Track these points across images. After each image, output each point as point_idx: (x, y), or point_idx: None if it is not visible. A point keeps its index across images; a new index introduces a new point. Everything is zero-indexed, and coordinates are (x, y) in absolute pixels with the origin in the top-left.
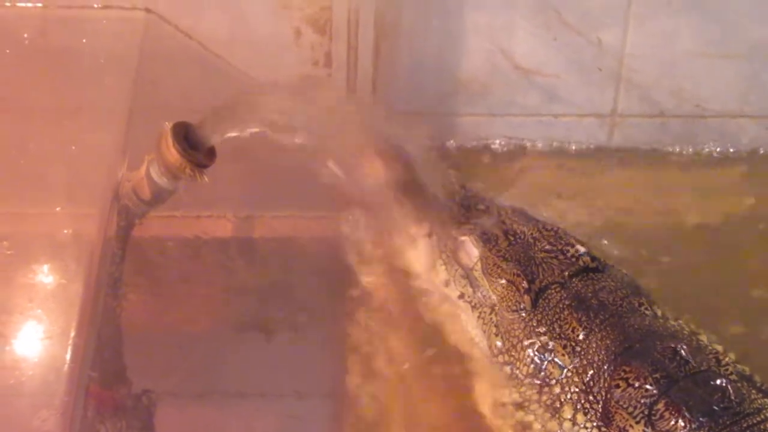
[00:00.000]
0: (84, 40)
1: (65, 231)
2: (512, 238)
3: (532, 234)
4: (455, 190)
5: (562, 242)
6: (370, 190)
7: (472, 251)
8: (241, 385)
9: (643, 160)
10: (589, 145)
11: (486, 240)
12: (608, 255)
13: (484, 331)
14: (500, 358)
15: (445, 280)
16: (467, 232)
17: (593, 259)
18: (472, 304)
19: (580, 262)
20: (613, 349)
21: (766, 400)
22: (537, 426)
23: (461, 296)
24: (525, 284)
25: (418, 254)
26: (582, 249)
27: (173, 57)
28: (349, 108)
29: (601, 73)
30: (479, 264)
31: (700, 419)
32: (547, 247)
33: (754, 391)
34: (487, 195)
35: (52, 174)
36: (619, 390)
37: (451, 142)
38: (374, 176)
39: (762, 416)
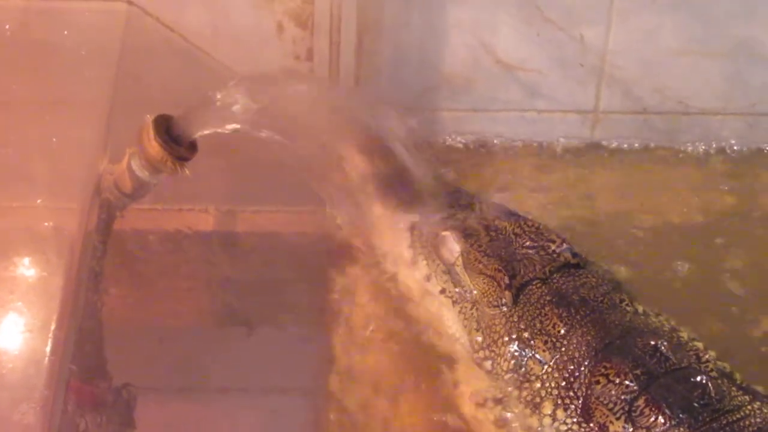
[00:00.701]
0: (65, 33)
1: (46, 224)
2: (494, 234)
3: (513, 230)
4: (437, 185)
5: (544, 238)
6: (352, 183)
7: (453, 246)
8: (222, 380)
9: (626, 156)
10: (571, 141)
11: (467, 235)
12: (589, 251)
13: (465, 327)
14: (481, 354)
15: (426, 275)
16: (449, 227)
17: (574, 255)
18: (453, 299)
19: (562, 258)
20: (594, 345)
21: (745, 397)
22: (517, 422)
23: (442, 291)
24: (506, 280)
25: (400, 249)
26: (563, 245)
27: (155, 50)
28: (331, 100)
29: (584, 69)
30: (460, 259)
31: (680, 416)
32: (529, 243)
33: (734, 388)
34: (468, 190)
35: (33, 167)
36: (599, 386)
37: (433, 136)
38: (356, 170)
39: (742, 413)
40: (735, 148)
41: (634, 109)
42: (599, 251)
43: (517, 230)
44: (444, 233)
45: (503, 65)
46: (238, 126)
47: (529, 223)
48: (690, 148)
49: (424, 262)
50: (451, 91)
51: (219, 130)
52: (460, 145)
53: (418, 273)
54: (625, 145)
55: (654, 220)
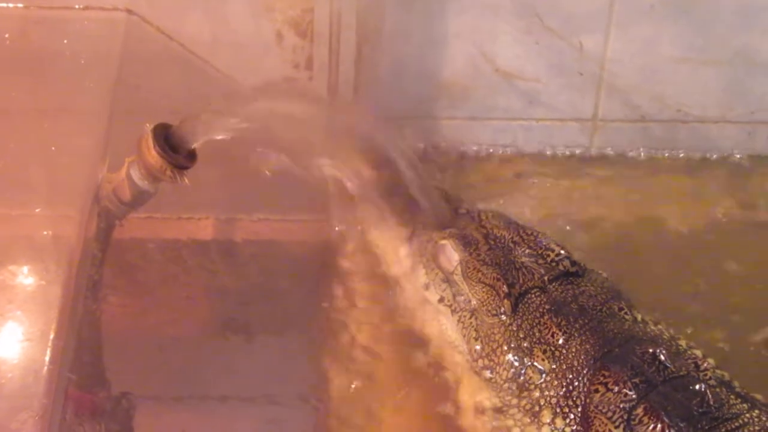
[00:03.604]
0: (65, 41)
1: (45, 233)
2: (492, 242)
3: (512, 238)
4: (435, 194)
5: (543, 246)
6: (352, 193)
7: (452, 255)
8: (221, 389)
9: (624, 164)
10: (570, 149)
11: (466, 244)
12: (588, 259)
13: (464, 335)
14: (480, 363)
15: (425, 283)
16: (448, 235)
17: (573, 263)
18: (452, 308)
19: (560, 267)
20: (593, 353)
21: (744, 405)
22: (516, 430)
23: (441, 300)
24: (505, 288)
25: (399, 257)
26: (562, 253)
27: (155, 58)
28: (330, 111)
29: (583, 77)
30: (459, 268)
31: (679, 424)
32: (528, 251)
33: (732, 396)
34: (467, 198)
35: (31, 175)
36: (598, 395)
37: (432, 145)
38: (354, 180)
39: (740, 421)
40: (734, 156)
41: (633, 117)
42: (598, 260)
43: (516, 239)
44: (442, 242)
45: (502, 74)
46: (237, 136)
47: (528, 232)
48: (689, 157)
49: (423, 270)
50: (451, 100)
51: (218, 139)
52: (459, 154)
53: (416, 281)
54: (624, 154)
55: (653, 229)
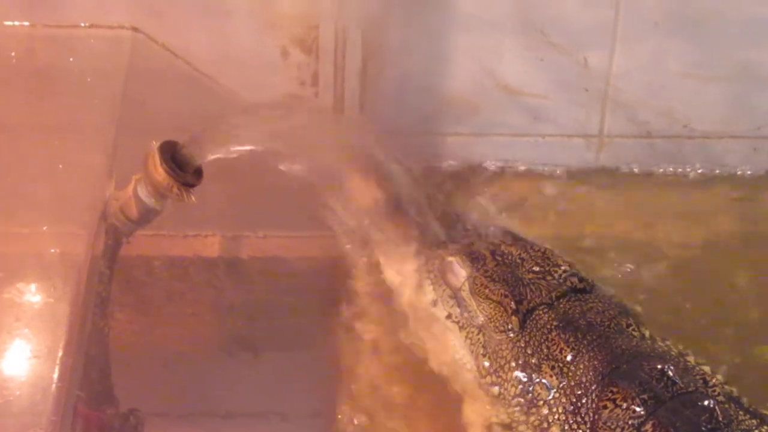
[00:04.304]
0: (71, 59)
1: (52, 250)
2: (500, 259)
3: (519, 254)
4: (443, 209)
5: (550, 263)
6: (358, 210)
7: (459, 272)
8: (228, 405)
9: (630, 180)
10: (575, 166)
11: (473, 260)
12: (595, 276)
13: (472, 352)
14: (488, 379)
15: (432, 300)
16: (455, 252)
17: (581, 279)
18: (460, 324)
19: (568, 283)
20: (601, 369)
21: (753, 421)
22: None
23: (449, 316)
24: (513, 305)
25: (406, 274)
26: (570, 270)
27: (160, 76)
28: (336, 128)
29: (588, 93)
30: (467, 284)
31: None
32: (535, 268)
33: (741, 412)
34: (474, 215)
35: (38, 193)
36: (606, 411)
37: (437, 161)
38: (362, 196)
39: None
40: (740, 171)
41: (638, 133)
42: (604, 276)
43: (524, 255)
44: (450, 258)
45: (507, 90)
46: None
47: (536, 248)
48: (695, 172)
49: (431, 287)
50: (456, 116)
51: (225, 157)
52: (464, 170)
53: (424, 298)
54: (630, 169)
55: (659, 245)
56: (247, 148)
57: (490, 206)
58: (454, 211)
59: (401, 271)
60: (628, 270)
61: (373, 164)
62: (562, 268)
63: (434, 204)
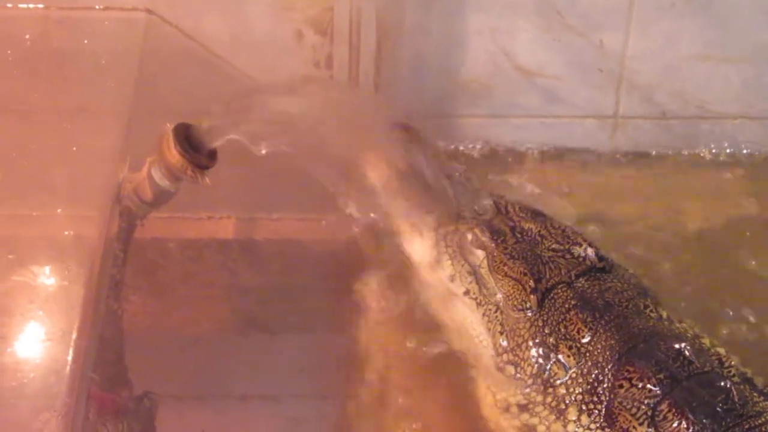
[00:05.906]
0: (85, 41)
1: (66, 233)
2: (519, 235)
3: (539, 232)
4: (462, 186)
5: (570, 241)
6: (375, 186)
7: (479, 247)
8: (243, 387)
9: (645, 161)
10: (590, 147)
11: (493, 236)
12: (608, 255)
13: (489, 330)
14: (504, 357)
15: (450, 275)
16: (474, 226)
17: (601, 259)
18: (478, 301)
19: (587, 262)
20: (617, 348)
21: (767, 402)
22: (542, 428)
23: (466, 293)
24: (532, 283)
25: (424, 248)
26: (589, 249)
27: (174, 58)
28: (352, 105)
29: (603, 74)
30: (486, 261)
31: (704, 421)
32: (555, 245)
33: (755, 394)
34: (493, 192)
35: (53, 176)
36: (622, 390)
37: (453, 142)
38: (379, 173)
39: (763, 419)
40: (755, 152)
41: (653, 114)
42: (617, 256)
43: (543, 232)
44: (469, 234)
45: (522, 71)
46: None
47: (555, 225)
48: (709, 153)
49: (449, 262)
50: (471, 97)
51: (239, 138)
52: (479, 151)
53: (442, 273)
54: (645, 150)
55: (673, 226)
56: (262, 129)
57: (504, 187)
58: (474, 188)
59: (420, 246)
60: (640, 252)
61: (393, 141)
62: (582, 246)
63: (454, 181)
